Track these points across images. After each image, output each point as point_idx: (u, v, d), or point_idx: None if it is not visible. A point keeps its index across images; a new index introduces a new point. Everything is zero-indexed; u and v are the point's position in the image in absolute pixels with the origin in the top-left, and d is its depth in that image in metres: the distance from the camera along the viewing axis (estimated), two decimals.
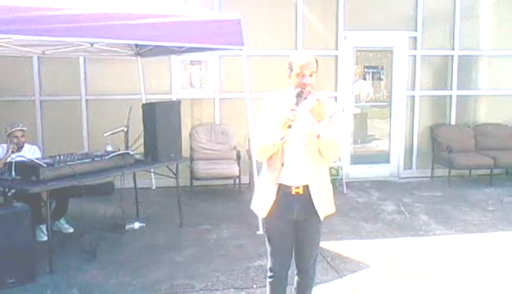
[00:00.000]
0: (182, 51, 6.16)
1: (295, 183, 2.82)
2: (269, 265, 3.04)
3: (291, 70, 2.81)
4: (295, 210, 2.84)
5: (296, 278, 3.10)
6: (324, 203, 2.88)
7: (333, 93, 7.70)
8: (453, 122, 8.16)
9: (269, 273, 3.05)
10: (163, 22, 4.68)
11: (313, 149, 2.81)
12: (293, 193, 2.82)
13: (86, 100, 7.27)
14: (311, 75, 2.76)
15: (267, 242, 3.01)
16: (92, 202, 5.83)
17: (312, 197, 2.82)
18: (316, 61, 2.80)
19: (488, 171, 7.56)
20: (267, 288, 3.08)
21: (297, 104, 2.66)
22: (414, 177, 7.96)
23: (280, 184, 2.82)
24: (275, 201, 2.83)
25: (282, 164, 2.80)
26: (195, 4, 6.79)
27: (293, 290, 3.16)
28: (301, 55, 2.82)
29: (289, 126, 2.62)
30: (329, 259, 4.49)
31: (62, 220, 5.27)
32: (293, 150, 2.80)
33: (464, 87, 8.19)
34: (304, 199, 2.83)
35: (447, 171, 7.57)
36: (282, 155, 2.80)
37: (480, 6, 8.28)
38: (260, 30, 7.23)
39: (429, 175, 7.97)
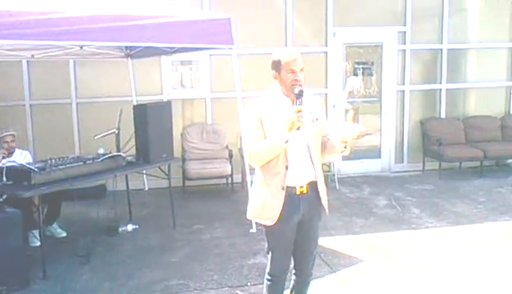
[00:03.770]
0: (173, 52, 6.15)
1: (299, 182, 2.77)
2: (269, 269, 2.95)
3: (278, 69, 2.72)
4: (301, 210, 2.79)
5: (294, 277, 3.06)
6: (326, 197, 2.89)
7: (323, 90, 7.75)
8: (443, 115, 8.23)
9: (268, 277, 2.97)
10: (154, 23, 4.66)
11: (317, 147, 2.82)
12: (297, 193, 2.77)
13: (76, 104, 7.25)
14: (301, 71, 2.70)
15: (267, 247, 2.92)
16: (84, 206, 5.78)
17: (320, 193, 2.83)
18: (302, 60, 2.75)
19: (478, 163, 7.64)
20: (264, 290, 3.02)
21: (300, 103, 2.60)
22: (405, 171, 8.02)
23: (286, 187, 2.74)
24: (282, 206, 2.73)
25: (286, 167, 2.71)
26: (184, 3, 6.81)
27: (290, 289, 3.11)
28: (287, 52, 2.75)
29: (298, 128, 2.58)
30: (322, 255, 4.52)
31: (55, 225, 5.26)
32: (297, 151, 2.74)
33: (453, 81, 8.26)
34: (308, 198, 2.80)
35: (438, 165, 7.63)
36: (286, 158, 2.71)
37: (468, 0, 8.34)
38: (249, 28, 7.23)
39: (420, 168, 8.03)
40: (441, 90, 8.21)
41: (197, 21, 5.03)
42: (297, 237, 2.87)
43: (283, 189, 2.73)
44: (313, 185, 2.82)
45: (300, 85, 2.67)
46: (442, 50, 8.14)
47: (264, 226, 2.85)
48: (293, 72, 2.68)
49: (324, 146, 2.87)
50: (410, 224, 5.49)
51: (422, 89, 8.20)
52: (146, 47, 5.97)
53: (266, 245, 2.92)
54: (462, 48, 8.29)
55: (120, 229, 5.38)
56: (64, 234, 5.27)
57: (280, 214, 2.73)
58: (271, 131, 2.67)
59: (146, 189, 7.20)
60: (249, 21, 7.22)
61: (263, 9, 7.51)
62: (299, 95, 2.61)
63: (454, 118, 8.16)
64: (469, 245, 4.80)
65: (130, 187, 6.03)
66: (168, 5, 5.61)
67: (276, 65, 2.73)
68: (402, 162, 8.17)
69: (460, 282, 3.98)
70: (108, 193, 6.42)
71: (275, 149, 2.64)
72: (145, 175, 6.94)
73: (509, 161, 8.17)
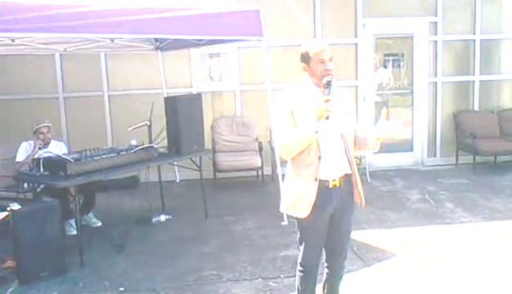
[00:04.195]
0: (202, 44, 6.17)
1: (332, 176, 2.75)
2: (300, 260, 2.96)
3: (307, 61, 2.73)
4: (334, 204, 2.78)
5: (326, 270, 3.06)
6: (361, 190, 2.87)
7: (353, 82, 7.66)
8: (476, 108, 8.04)
9: (300, 268, 2.99)
10: (183, 15, 4.70)
11: (351, 140, 2.81)
12: (330, 186, 2.75)
13: (108, 96, 7.36)
14: (330, 60, 2.70)
15: (299, 239, 2.92)
16: (117, 197, 5.90)
17: (355, 186, 2.83)
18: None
19: None
20: (297, 281, 3.04)
21: (329, 93, 2.60)
22: (438, 165, 7.88)
23: (319, 180, 2.73)
24: (315, 198, 2.72)
25: (319, 158, 2.70)
26: None
27: (323, 282, 3.11)
28: (315, 43, 2.75)
29: (327, 118, 2.57)
30: (355, 248, 4.48)
31: (90, 214, 5.36)
32: (329, 142, 2.73)
33: (486, 72, 8.06)
34: (341, 191, 2.79)
35: (472, 159, 7.47)
36: (318, 149, 2.70)
37: None
38: (277, 20, 7.19)
39: (454, 162, 7.87)
40: (474, 82, 8.03)
41: (226, 13, 5.03)
42: (329, 230, 2.87)
43: (316, 180, 2.72)
44: (347, 178, 2.81)
45: (330, 74, 2.67)
46: (474, 40, 7.95)
47: (296, 218, 2.85)
48: (322, 62, 2.69)
49: (354, 141, 2.86)
50: (444, 218, 5.40)
51: (455, 81, 8.03)
52: (176, 40, 6.02)
53: (298, 236, 2.93)
54: (496, 38, 8.07)
55: (153, 220, 5.44)
56: (99, 224, 5.36)
57: (313, 207, 2.73)
58: (301, 123, 2.67)
59: (178, 180, 7.26)
60: (277, 13, 7.20)
61: (291, 1, 7.45)
62: (328, 85, 2.62)
63: (488, 111, 7.97)
64: (504, 240, 4.69)
65: (162, 179, 6.08)
66: None
67: (305, 57, 2.75)
68: (435, 155, 8.02)
69: (494, 278, 3.89)
70: (140, 185, 6.52)
71: (305, 140, 2.64)
72: (176, 167, 7.01)
73: None
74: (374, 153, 2.89)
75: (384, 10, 7.68)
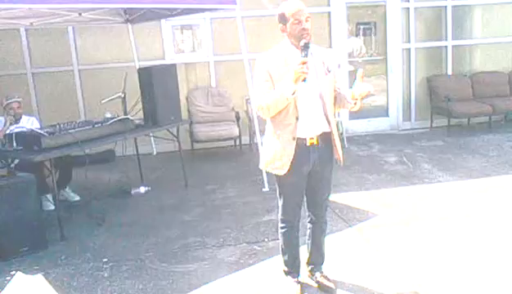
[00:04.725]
0: (174, 14, 6.02)
1: (310, 134, 2.81)
2: (281, 216, 3.04)
3: (284, 21, 2.74)
4: (311, 161, 2.85)
5: (309, 225, 3.14)
6: (340, 148, 2.94)
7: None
8: (449, 72, 8.13)
9: (281, 225, 3.06)
10: None
11: (331, 99, 2.84)
12: (308, 144, 2.81)
13: (79, 70, 7.17)
14: (307, 20, 2.70)
15: (278, 196, 3.00)
16: (95, 171, 5.74)
17: (335, 143, 2.89)
18: None
19: (487, 119, 7.59)
20: (281, 239, 3.11)
21: (306, 55, 2.61)
22: (413, 129, 8.00)
23: (296, 138, 2.78)
24: (293, 156, 2.78)
25: (297, 118, 2.74)
26: None
27: (307, 239, 3.19)
28: (291, 4, 2.74)
29: (304, 80, 2.58)
30: (337, 210, 4.52)
31: (67, 189, 5.26)
32: (307, 103, 2.76)
33: (459, 37, 8.13)
34: (319, 149, 2.84)
35: (446, 121, 7.59)
36: (296, 109, 2.73)
37: None
38: None
39: (428, 126, 8.00)
40: (447, 47, 8.10)
41: None
42: (309, 186, 2.96)
43: (294, 139, 2.78)
44: (325, 137, 2.86)
45: (308, 34, 2.69)
46: (446, 7, 7.99)
47: (275, 175, 2.92)
48: (299, 22, 2.70)
49: (335, 99, 2.89)
50: (422, 179, 5.48)
51: (428, 46, 8.08)
52: (147, 11, 5.86)
53: (277, 192, 2.99)
54: (467, 4, 8.14)
55: (133, 192, 5.38)
56: (77, 198, 5.27)
57: (291, 164, 2.80)
58: (279, 84, 2.68)
59: (155, 153, 7.19)
60: None
61: None
62: (305, 46, 2.63)
63: (461, 75, 8.08)
64: (481, 197, 4.78)
65: (139, 152, 5.97)
66: None
67: (282, 18, 2.76)
68: (410, 120, 8.12)
69: (474, 232, 3.98)
70: (117, 159, 6.41)
71: (282, 101, 2.66)
72: (152, 139, 6.92)
73: None
74: (352, 116, 2.93)
75: None
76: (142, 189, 5.43)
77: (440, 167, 5.86)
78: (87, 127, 4.66)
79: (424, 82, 8.05)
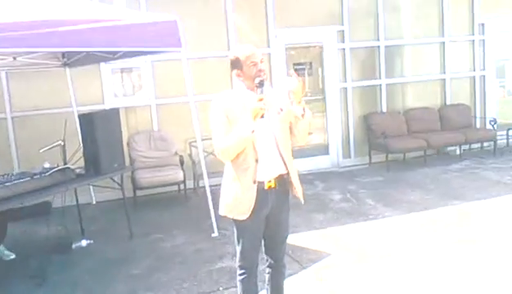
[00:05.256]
0: (116, 58, 5.92)
1: (268, 177, 2.78)
2: (239, 263, 2.96)
3: (239, 66, 2.73)
4: (270, 204, 2.81)
5: (268, 270, 3.07)
6: (300, 187, 2.92)
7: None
8: (384, 109, 8.49)
9: (240, 272, 2.97)
10: (95, 27, 4.43)
11: (286, 139, 2.83)
12: (266, 187, 2.78)
13: (12, 118, 6.81)
14: (262, 61, 2.73)
15: (236, 242, 2.92)
16: (30, 225, 5.45)
17: (294, 183, 2.87)
18: None
19: (422, 153, 7.94)
20: (239, 287, 3.01)
21: (262, 92, 2.61)
22: (353, 165, 8.21)
23: (257, 181, 2.74)
24: (255, 200, 2.74)
25: (256, 160, 2.72)
26: (121, 7, 6.60)
27: (266, 284, 3.11)
28: (244, 48, 2.77)
29: (263, 116, 2.58)
30: (290, 252, 4.47)
31: (1, 247, 4.87)
32: (265, 143, 2.75)
33: (391, 76, 8.56)
34: (276, 192, 2.82)
35: (384, 157, 7.85)
36: (255, 151, 2.71)
37: None
38: (191, 33, 7.08)
39: (367, 162, 8.26)
40: (381, 85, 8.48)
41: (143, 24, 4.84)
42: (267, 230, 2.91)
43: (254, 183, 2.74)
44: (282, 179, 2.84)
45: (265, 73, 2.71)
46: (379, 47, 8.42)
47: (235, 220, 2.86)
48: (255, 64, 2.71)
49: (291, 132, 2.88)
50: (367, 215, 5.59)
51: (363, 85, 8.43)
52: (87, 54, 5.72)
53: (235, 237, 2.93)
54: (397, 44, 8.61)
55: (74, 246, 5.08)
56: (13, 256, 4.87)
57: (253, 209, 2.75)
58: (237, 125, 2.66)
59: (94, 202, 6.87)
60: (189, 26, 7.07)
61: (203, 13, 7.40)
62: (260, 84, 2.65)
63: (395, 112, 8.46)
64: (426, 230, 4.94)
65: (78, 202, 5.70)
66: (110, 9, 5.41)
67: (236, 63, 2.76)
68: (350, 156, 8.35)
69: (421, 267, 4.07)
70: (53, 210, 6.06)
71: (242, 141, 2.64)
72: (92, 188, 6.63)
73: (449, 149, 8.54)
74: (295, 155, 2.92)
75: (295, 20, 7.91)
76: (84, 243, 5.14)
77: (383, 202, 6.02)
78: (26, 179, 4.39)
79: (361, 119, 8.35)
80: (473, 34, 8.88)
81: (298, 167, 3.02)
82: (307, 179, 7.49)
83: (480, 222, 5.08)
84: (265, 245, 3.00)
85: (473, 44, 8.92)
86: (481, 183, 6.59)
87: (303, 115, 2.76)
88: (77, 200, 5.59)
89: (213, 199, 4.79)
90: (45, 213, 6.00)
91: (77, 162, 5.08)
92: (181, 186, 6.81)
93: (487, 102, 9.03)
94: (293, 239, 4.75)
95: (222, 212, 2.92)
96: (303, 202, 2.93)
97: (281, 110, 2.81)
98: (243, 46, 2.80)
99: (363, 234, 4.97)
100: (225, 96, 2.79)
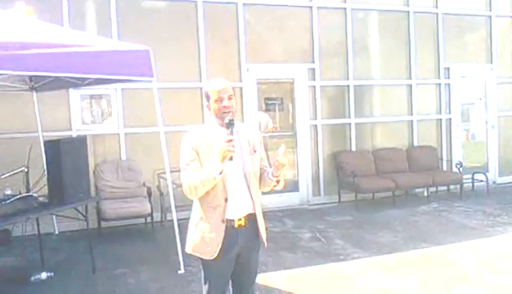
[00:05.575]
0: (86, 84, 5.80)
1: (238, 215, 2.74)
2: None
3: (208, 100, 2.76)
4: (239, 243, 2.76)
5: None
6: (264, 229, 2.89)
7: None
8: (354, 148, 8.58)
9: None
10: (67, 52, 4.34)
11: (255, 178, 2.82)
12: (235, 226, 2.73)
13: None
14: (230, 98, 2.71)
15: (203, 282, 2.85)
16: None
17: (259, 224, 2.83)
18: (232, 88, 2.79)
19: (390, 194, 8.00)
20: None
21: (231, 133, 2.57)
22: (323, 203, 8.20)
23: (227, 220, 2.70)
24: (223, 239, 2.69)
25: (226, 199, 2.68)
26: (93, 34, 6.53)
27: None
28: (216, 82, 2.78)
29: (231, 158, 2.54)
30: (257, 293, 4.37)
31: None
32: (235, 182, 2.72)
33: (361, 115, 8.69)
34: (246, 230, 2.78)
35: (353, 196, 7.87)
36: (224, 190, 2.68)
37: (369, 39, 8.93)
38: (163, 63, 7.03)
39: (337, 200, 8.26)
40: (350, 124, 8.59)
41: (115, 52, 4.83)
42: (236, 269, 2.86)
43: (223, 222, 2.71)
44: (251, 218, 2.81)
45: (230, 111, 2.69)
46: (349, 86, 8.57)
47: (202, 260, 2.80)
48: (221, 100, 2.70)
49: (260, 178, 2.87)
50: (337, 255, 5.54)
51: (333, 123, 8.52)
52: (55, 79, 5.58)
53: (202, 276, 2.85)
54: (367, 85, 8.79)
55: (32, 278, 4.81)
56: None
57: (221, 248, 2.70)
58: (206, 163, 2.63)
59: (57, 232, 6.58)
60: (161, 56, 7.03)
61: (176, 44, 7.41)
62: (229, 124, 2.61)
63: (364, 151, 8.55)
64: (395, 272, 4.92)
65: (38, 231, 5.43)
66: (82, 35, 5.32)
67: (206, 96, 2.79)
68: (320, 194, 8.34)
69: None
70: (12, 239, 5.78)
71: (210, 181, 2.60)
72: (55, 218, 6.36)
73: (417, 190, 8.64)
74: (263, 192, 2.89)
75: (267, 56, 8.03)
76: (44, 275, 4.87)
77: (352, 242, 5.99)
78: None
79: (331, 157, 8.40)
80: (439, 78, 9.16)
81: (268, 203, 2.99)
82: (276, 216, 7.45)
83: (447, 266, 5.09)
84: (232, 285, 2.94)
85: (440, 87, 9.19)
86: (448, 226, 6.66)
87: (278, 181, 2.76)
88: (38, 230, 5.31)
89: (180, 234, 4.65)
90: (4, 242, 5.75)
91: (40, 189, 4.89)
92: (148, 219, 6.62)
93: (453, 145, 9.25)
94: (262, 279, 4.65)
95: (188, 250, 2.86)
96: (265, 245, 2.88)
97: (254, 151, 2.81)
98: (215, 80, 2.81)
99: (333, 276, 4.90)
100: (196, 132, 2.77)
